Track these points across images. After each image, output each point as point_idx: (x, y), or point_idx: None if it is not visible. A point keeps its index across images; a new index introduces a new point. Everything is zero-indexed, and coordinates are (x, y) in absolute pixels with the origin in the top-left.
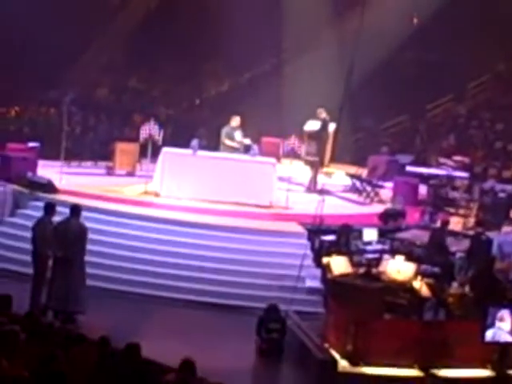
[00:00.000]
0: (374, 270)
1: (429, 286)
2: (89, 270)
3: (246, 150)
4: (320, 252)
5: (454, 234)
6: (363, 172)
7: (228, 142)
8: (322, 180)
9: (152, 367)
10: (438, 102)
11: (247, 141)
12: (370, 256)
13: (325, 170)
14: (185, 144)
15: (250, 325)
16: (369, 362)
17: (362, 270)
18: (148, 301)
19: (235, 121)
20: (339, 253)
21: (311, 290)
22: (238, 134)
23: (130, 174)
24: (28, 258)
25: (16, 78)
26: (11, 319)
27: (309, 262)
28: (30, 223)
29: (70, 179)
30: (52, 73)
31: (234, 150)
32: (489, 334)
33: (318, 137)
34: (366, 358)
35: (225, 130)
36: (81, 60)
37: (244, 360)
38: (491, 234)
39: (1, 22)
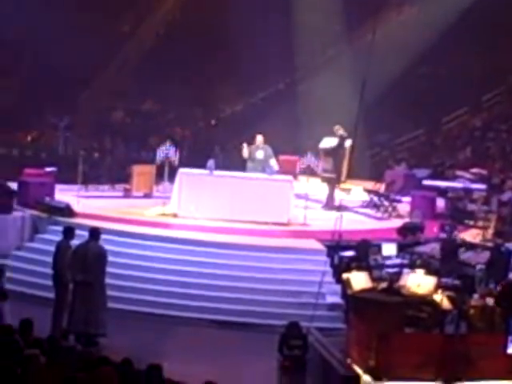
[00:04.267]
0: (394, 284)
1: (449, 298)
2: (109, 293)
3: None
4: (339, 268)
5: (474, 246)
6: (381, 187)
7: (245, 155)
8: (339, 196)
9: None
10: (453, 115)
11: (273, 162)
12: (390, 270)
13: (342, 186)
14: (201, 164)
15: (272, 342)
16: (391, 377)
17: (382, 285)
18: (169, 321)
19: (258, 139)
20: (359, 268)
21: (332, 306)
22: (260, 153)
23: (148, 195)
24: (48, 283)
25: (32, 104)
26: (33, 343)
27: (329, 278)
28: (49, 248)
29: (87, 203)
30: (67, 98)
31: (251, 167)
32: None
33: (335, 153)
34: (389, 372)
35: (249, 148)
36: (95, 84)
37: (267, 378)
38: (510, 245)
39: (18, 48)
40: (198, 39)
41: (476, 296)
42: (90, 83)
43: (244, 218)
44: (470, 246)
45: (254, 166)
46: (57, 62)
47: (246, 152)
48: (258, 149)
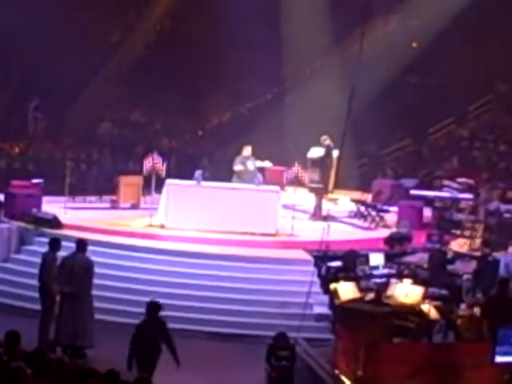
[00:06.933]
0: (381, 295)
1: (437, 308)
2: (96, 304)
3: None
4: (327, 278)
5: (461, 255)
6: (368, 197)
7: (237, 168)
8: (326, 206)
9: None
10: (440, 125)
11: (259, 163)
12: (378, 280)
13: (329, 196)
14: (188, 175)
15: (259, 353)
16: None
17: (370, 295)
18: None
19: (246, 150)
20: (346, 278)
21: (319, 317)
22: (250, 164)
23: (135, 206)
24: (35, 294)
25: (20, 115)
26: (19, 356)
27: (316, 288)
28: (35, 259)
29: (74, 214)
30: (55, 108)
31: (241, 179)
32: None
33: (322, 163)
34: (377, 382)
35: (238, 159)
36: (82, 95)
37: None
38: (498, 255)
39: (5, 59)
40: (186, 50)
41: (463, 306)
42: (79, 94)
43: (231, 228)
44: (458, 256)
45: (245, 174)
46: (45, 73)
47: (251, 169)
48: (248, 159)
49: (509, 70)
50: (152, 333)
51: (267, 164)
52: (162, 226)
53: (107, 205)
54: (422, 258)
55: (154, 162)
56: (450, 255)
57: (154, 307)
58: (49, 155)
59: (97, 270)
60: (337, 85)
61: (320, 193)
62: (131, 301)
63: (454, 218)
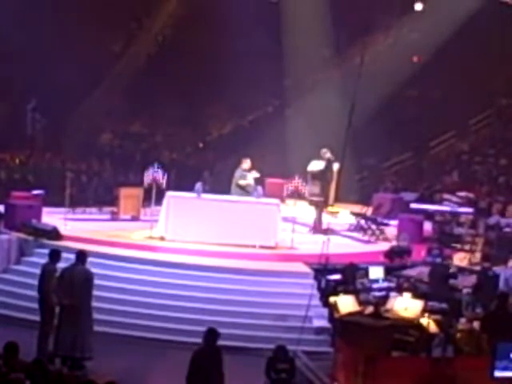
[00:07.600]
0: (381, 308)
1: (436, 322)
2: (96, 316)
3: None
4: (326, 291)
5: (461, 269)
6: (368, 210)
7: (242, 182)
8: (326, 220)
9: None
10: (440, 139)
11: (250, 175)
12: (377, 294)
13: (329, 209)
14: (189, 188)
15: (259, 366)
16: None
17: (369, 308)
18: (156, 345)
19: (246, 163)
20: (346, 292)
21: (319, 330)
22: (250, 177)
23: (135, 218)
24: (34, 306)
25: (21, 126)
26: (18, 367)
27: (316, 301)
28: (35, 270)
29: (74, 225)
30: (54, 110)
31: (245, 192)
32: None
33: (323, 177)
34: None
35: (238, 173)
36: (83, 106)
37: None
38: (498, 269)
39: (5, 60)
40: (187, 61)
41: (463, 320)
42: (79, 101)
43: (231, 241)
44: (458, 270)
45: (247, 188)
46: (46, 83)
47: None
48: (248, 172)
49: (509, 84)
50: (208, 361)
51: (255, 175)
52: (162, 238)
53: (107, 216)
54: (421, 271)
55: (154, 174)
56: (452, 269)
57: (211, 334)
58: (49, 166)
59: (96, 281)
60: (337, 98)
61: (320, 206)
62: (131, 312)
63: (454, 232)
